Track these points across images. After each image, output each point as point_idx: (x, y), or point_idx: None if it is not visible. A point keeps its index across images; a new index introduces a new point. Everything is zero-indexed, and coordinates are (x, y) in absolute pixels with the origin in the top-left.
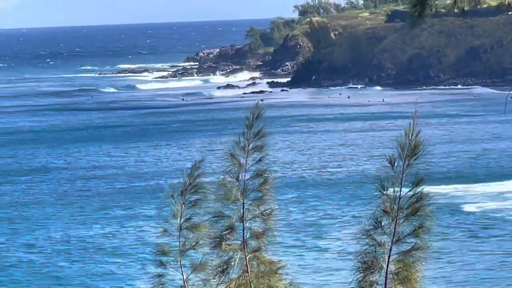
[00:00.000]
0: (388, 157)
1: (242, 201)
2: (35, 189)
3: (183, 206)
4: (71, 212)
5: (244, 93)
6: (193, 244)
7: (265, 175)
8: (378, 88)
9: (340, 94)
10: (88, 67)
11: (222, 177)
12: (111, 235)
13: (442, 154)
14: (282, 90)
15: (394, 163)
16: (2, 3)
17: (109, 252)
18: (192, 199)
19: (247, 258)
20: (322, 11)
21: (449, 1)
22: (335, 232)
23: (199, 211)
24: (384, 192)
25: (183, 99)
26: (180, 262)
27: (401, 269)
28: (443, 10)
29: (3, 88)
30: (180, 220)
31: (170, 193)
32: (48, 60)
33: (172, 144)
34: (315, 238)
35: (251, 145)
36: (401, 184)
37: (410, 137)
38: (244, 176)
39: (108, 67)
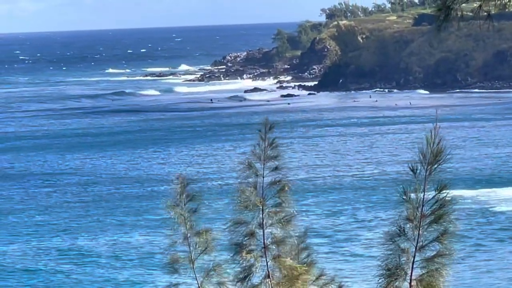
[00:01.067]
0: (410, 165)
1: (261, 208)
2: (80, 191)
3: (185, 214)
4: (105, 214)
5: (272, 97)
6: (203, 249)
7: (283, 182)
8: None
9: (370, 97)
10: (115, 71)
11: (240, 185)
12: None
13: (470, 157)
14: (309, 94)
15: (416, 170)
16: (26, 6)
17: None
18: (193, 206)
19: (268, 263)
20: (349, 14)
21: (475, 5)
22: (362, 236)
23: (200, 217)
24: (407, 199)
25: (211, 100)
26: (193, 268)
27: (425, 276)
28: (470, 14)
29: (32, 91)
30: (186, 228)
31: (170, 203)
32: (74, 63)
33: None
34: (343, 242)
35: (267, 154)
36: (424, 191)
37: (432, 145)
38: (262, 183)
39: (135, 70)
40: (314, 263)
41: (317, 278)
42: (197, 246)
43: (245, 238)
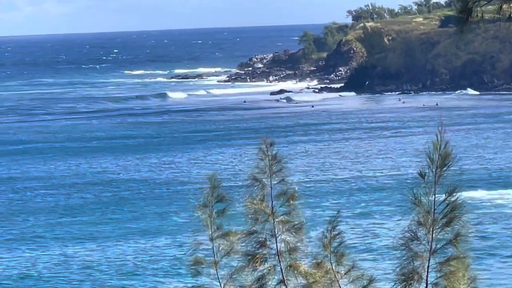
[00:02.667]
0: (419, 170)
1: (272, 219)
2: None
3: (212, 216)
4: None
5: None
6: (227, 252)
7: (290, 193)
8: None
9: (400, 100)
10: (139, 72)
11: (247, 198)
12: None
13: (494, 158)
14: (336, 96)
15: (425, 175)
16: (50, 9)
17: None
18: (220, 209)
19: (282, 270)
20: (375, 16)
21: (495, 7)
22: (383, 238)
23: (227, 219)
24: (418, 203)
25: (244, 101)
26: (216, 271)
27: (440, 279)
28: (498, 15)
29: (59, 92)
30: (211, 230)
31: (198, 205)
32: (98, 65)
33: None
34: (365, 244)
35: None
36: (434, 195)
37: (439, 149)
38: (271, 195)
39: (159, 72)
40: (345, 255)
41: (348, 271)
42: (220, 249)
43: (258, 248)
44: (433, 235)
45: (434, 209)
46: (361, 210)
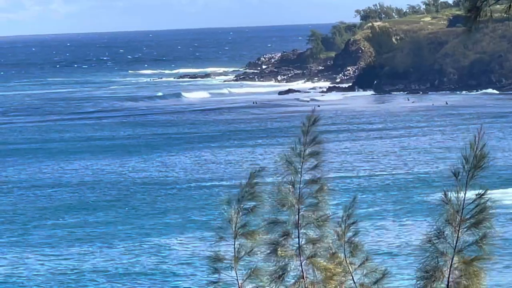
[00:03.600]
0: (452, 169)
1: (297, 207)
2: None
3: (239, 213)
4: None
5: (309, 98)
6: (249, 251)
7: (321, 182)
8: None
9: (408, 99)
10: (147, 71)
11: (278, 183)
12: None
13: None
14: (344, 95)
15: (458, 174)
16: (58, 8)
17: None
18: (249, 206)
19: (302, 264)
20: (383, 15)
21: (503, 6)
22: (401, 235)
23: (255, 218)
24: (447, 201)
25: (254, 103)
26: (235, 269)
27: (462, 279)
28: (506, 15)
29: (66, 92)
30: (236, 227)
31: (225, 200)
32: (105, 64)
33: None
34: (378, 241)
35: (307, 151)
36: (464, 195)
37: (475, 149)
38: (300, 182)
39: (168, 71)
40: (360, 247)
41: (362, 263)
42: (241, 247)
43: (281, 238)
44: (459, 234)
45: (463, 208)
46: (369, 210)
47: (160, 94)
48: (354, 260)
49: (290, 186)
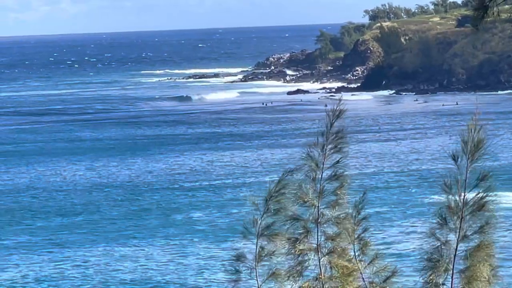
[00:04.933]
0: (451, 153)
1: (317, 204)
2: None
3: (264, 213)
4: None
5: (318, 98)
6: (270, 252)
7: (342, 178)
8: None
9: (416, 100)
10: (155, 71)
11: (299, 178)
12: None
13: None
14: (353, 95)
15: (458, 159)
16: (66, 8)
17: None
18: (275, 207)
19: (320, 261)
20: (392, 15)
21: (511, 6)
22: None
23: (279, 219)
24: (447, 189)
25: (265, 104)
26: (256, 269)
27: (468, 268)
28: (509, 15)
29: (71, 93)
30: (259, 227)
31: (252, 200)
32: (113, 64)
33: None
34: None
35: (330, 145)
36: (465, 180)
37: (473, 133)
38: (321, 177)
39: (174, 71)
40: (369, 244)
41: (371, 261)
42: (262, 249)
43: (300, 234)
44: (462, 221)
45: (465, 195)
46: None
47: (186, 95)
48: (364, 258)
49: (311, 181)
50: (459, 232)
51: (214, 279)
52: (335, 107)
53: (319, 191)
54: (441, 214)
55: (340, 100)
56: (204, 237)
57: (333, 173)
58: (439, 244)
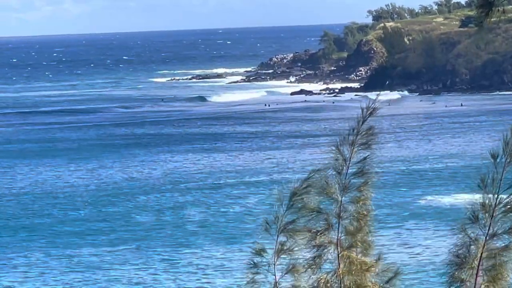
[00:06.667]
0: (490, 151)
1: (340, 198)
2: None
3: (287, 209)
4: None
5: (323, 99)
6: (290, 247)
7: (367, 175)
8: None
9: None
10: (163, 72)
11: (324, 172)
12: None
13: None
14: (356, 95)
15: (497, 157)
16: (69, 8)
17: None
18: (299, 205)
19: (339, 255)
20: (395, 16)
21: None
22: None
23: (302, 215)
24: (483, 186)
25: (268, 105)
26: (275, 264)
27: (493, 267)
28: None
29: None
30: (281, 223)
31: (278, 197)
32: (121, 65)
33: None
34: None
35: (359, 141)
36: (501, 180)
37: None
38: (346, 172)
39: (178, 72)
40: (372, 245)
41: (375, 262)
42: (282, 245)
43: (321, 227)
44: (493, 219)
45: (498, 193)
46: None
47: (203, 95)
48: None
49: (337, 175)
50: (489, 230)
51: (214, 280)
52: (368, 104)
53: (343, 186)
54: (474, 211)
55: (375, 99)
56: (206, 238)
57: (359, 169)
58: (468, 240)
